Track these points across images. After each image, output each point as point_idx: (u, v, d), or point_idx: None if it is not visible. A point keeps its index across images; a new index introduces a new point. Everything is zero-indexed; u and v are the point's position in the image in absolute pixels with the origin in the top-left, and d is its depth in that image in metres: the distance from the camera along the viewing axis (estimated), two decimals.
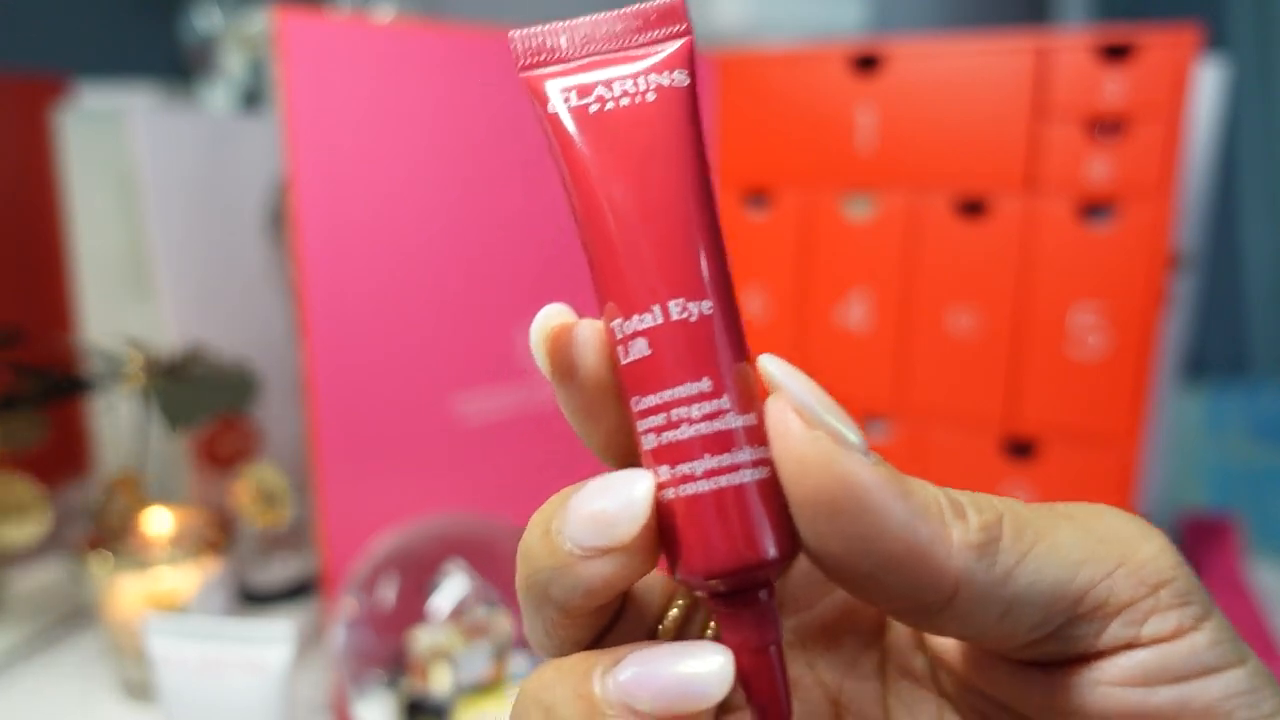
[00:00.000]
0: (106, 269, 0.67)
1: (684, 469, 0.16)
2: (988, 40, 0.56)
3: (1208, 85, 0.66)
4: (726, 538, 0.16)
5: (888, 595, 0.16)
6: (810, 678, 0.20)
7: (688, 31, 0.18)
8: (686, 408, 0.16)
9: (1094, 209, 0.56)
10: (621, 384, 0.17)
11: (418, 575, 0.51)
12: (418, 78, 0.52)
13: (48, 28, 0.83)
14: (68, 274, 0.69)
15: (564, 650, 0.18)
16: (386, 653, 0.51)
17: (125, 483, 0.58)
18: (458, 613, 0.50)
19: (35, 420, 0.57)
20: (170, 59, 0.87)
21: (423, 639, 0.49)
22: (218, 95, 0.81)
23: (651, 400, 0.16)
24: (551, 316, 0.17)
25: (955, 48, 0.57)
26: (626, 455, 0.18)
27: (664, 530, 0.16)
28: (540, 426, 0.61)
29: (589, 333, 0.17)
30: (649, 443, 0.17)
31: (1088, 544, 0.16)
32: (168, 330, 0.65)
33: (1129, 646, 0.16)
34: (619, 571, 0.16)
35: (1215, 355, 1.16)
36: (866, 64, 0.60)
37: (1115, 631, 0.16)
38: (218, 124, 0.69)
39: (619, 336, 0.17)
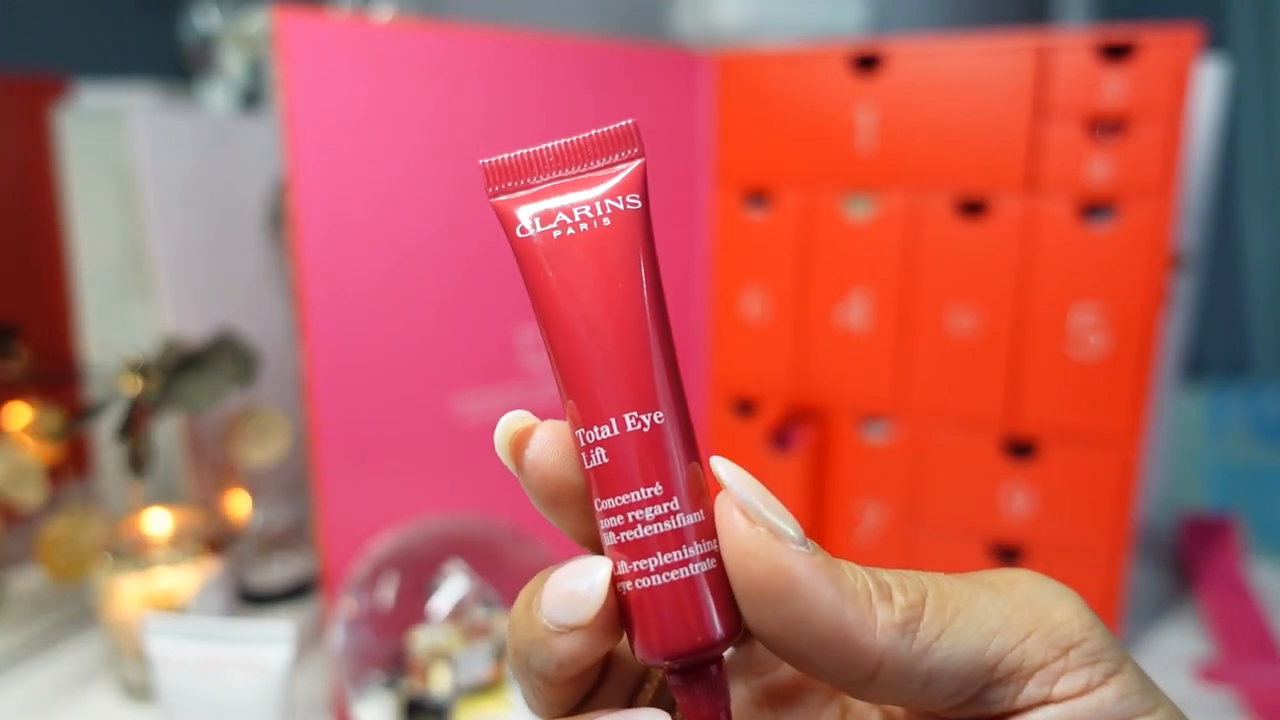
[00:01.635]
0: (106, 269, 0.67)
1: (640, 565, 0.18)
2: (988, 40, 0.56)
3: (1208, 85, 0.66)
4: (679, 623, 0.18)
5: (821, 670, 0.18)
6: None
7: (641, 153, 0.20)
8: (640, 510, 0.18)
9: (1094, 209, 0.55)
10: (586, 483, 0.19)
11: (417, 575, 0.51)
12: (417, 78, 0.52)
13: (48, 28, 0.83)
14: (68, 274, 0.69)
15: (551, 712, 0.20)
16: (386, 653, 0.50)
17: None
18: (457, 613, 0.50)
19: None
20: (170, 59, 0.87)
21: (422, 639, 0.49)
22: (217, 95, 0.81)
23: (611, 503, 0.18)
24: (513, 423, 0.19)
25: (955, 48, 0.57)
26: (594, 539, 0.20)
27: (625, 615, 0.19)
28: None
29: (548, 436, 0.19)
30: (609, 540, 0.19)
31: (1003, 612, 0.18)
32: (167, 329, 0.65)
33: (1044, 703, 0.18)
34: (583, 648, 0.18)
35: (1215, 355, 1.16)
36: (866, 64, 0.60)
37: (1030, 692, 0.18)
38: (217, 124, 0.69)
39: (582, 444, 0.19)
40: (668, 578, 0.18)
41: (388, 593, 0.51)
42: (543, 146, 0.20)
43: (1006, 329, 0.58)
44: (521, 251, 0.19)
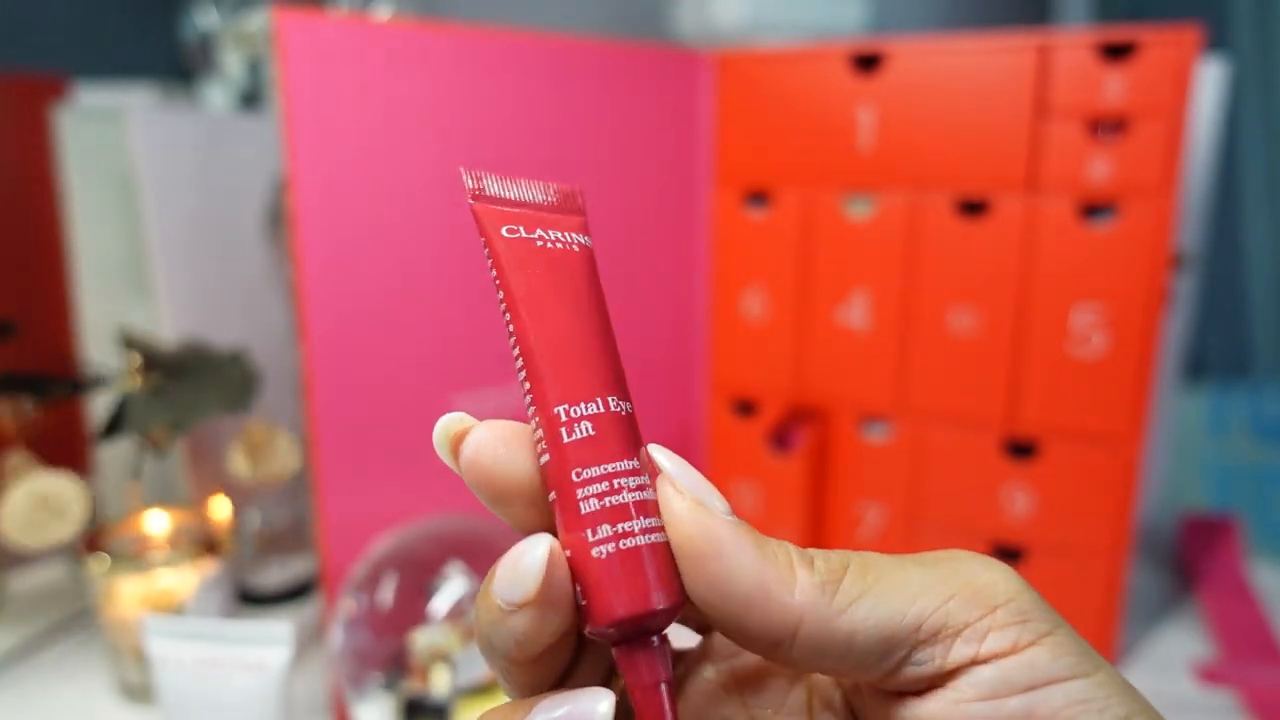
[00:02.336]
0: (106, 268, 0.67)
1: (623, 526, 0.19)
2: (988, 40, 0.56)
3: (1208, 85, 0.66)
4: (631, 589, 0.19)
5: (747, 632, 0.19)
6: (744, 715, 0.22)
7: (583, 210, 0.24)
8: (623, 479, 0.20)
9: (1095, 209, 0.55)
10: (557, 463, 0.20)
11: (417, 576, 0.51)
12: (417, 77, 0.52)
13: (47, 28, 0.83)
14: (67, 273, 0.69)
15: (524, 693, 0.20)
16: (386, 654, 0.50)
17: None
18: (457, 613, 0.50)
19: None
20: (169, 58, 0.87)
21: (422, 640, 0.49)
22: (217, 94, 0.81)
23: (595, 471, 0.20)
24: (450, 424, 0.20)
25: (955, 47, 0.57)
26: (539, 529, 0.21)
27: (582, 588, 0.19)
28: None
29: (484, 435, 0.20)
30: (590, 506, 0.20)
31: (926, 580, 0.19)
32: (167, 329, 0.65)
33: (973, 664, 0.18)
34: (535, 624, 0.19)
35: (1216, 355, 1.16)
36: (867, 64, 0.60)
37: (958, 651, 0.18)
38: (217, 123, 0.69)
39: (564, 419, 0.20)
40: (650, 539, 0.19)
41: (387, 593, 0.51)
42: (519, 180, 0.23)
43: (1007, 329, 0.58)
44: (507, 248, 0.22)
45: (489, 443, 0.20)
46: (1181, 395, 0.80)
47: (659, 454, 0.20)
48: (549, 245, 0.22)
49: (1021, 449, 0.60)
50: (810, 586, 0.18)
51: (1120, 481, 0.57)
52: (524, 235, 0.22)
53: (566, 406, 0.20)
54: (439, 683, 0.49)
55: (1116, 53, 0.54)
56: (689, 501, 0.19)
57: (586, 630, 0.20)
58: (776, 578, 0.18)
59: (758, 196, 0.66)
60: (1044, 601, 0.19)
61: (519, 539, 0.19)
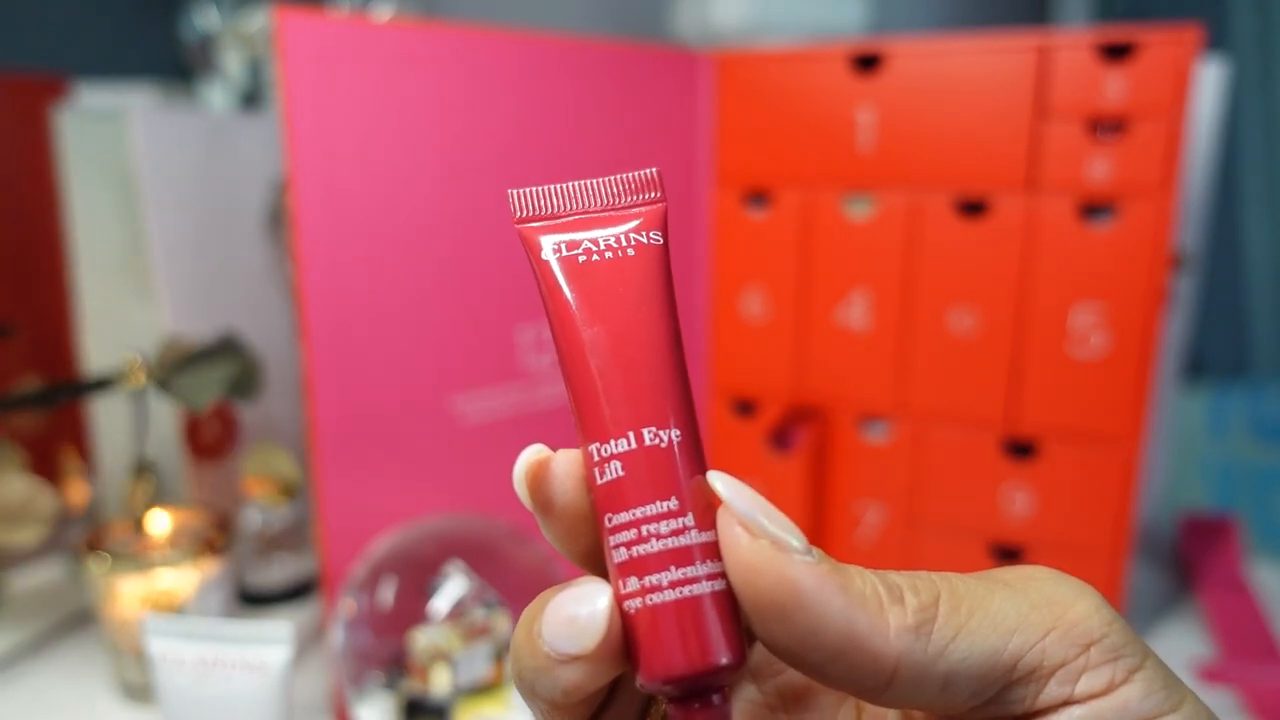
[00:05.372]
0: (106, 268, 0.67)
1: (651, 580, 0.18)
2: (988, 40, 0.56)
3: (1208, 85, 0.66)
4: (683, 646, 0.17)
5: (837, 680, 0.17)
6: None
7: (663, 199, 0.21)
8: (654, 524, 0.18)
9: (1095, 209, 0.55)
10: (595, 504, 0.19)
11: (417, 576, 0.51)
12: (417, 77, 0.52)
13: (48, 28, 0.83)
14: (67, 273, 0.69)
15: None
16: (386, 653, 0.50)
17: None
18: (457, 613, 0.50)
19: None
20: (169, 58, 0.87)
21: (422, 640, 0.49)
22: (217, 94, 0.81)
23: (624, 517, 0.18)
24: (530, 455, 0.19)
25: (955, 47, 0.57)
26: (602, 569, 0.20)
27: (628, 638, 0.18)
28: (540, 426, 0.61)
29: (564, 465, 0.19)
30: (620, 556, 0.18)
31: (1020, 611, 0.18)
32: (167, 329, 0.65)
33: (1065, 704, 0.17)
34: (588, 676, 0.18)
35: (1216, 355, 1.16)
36: (867, 64, 0.60)
37: (1051, 691, 0.17)
38: (217, 123, 0.69)
39: (596, 459, 0.19)
40: (681, 593, 0.18)
41: (387, 593, 0.51)
42: (570, 184, 0.21)
43: (1007, 329, 0.58)
44: (544, 273, 0.20)
45: (568, 473, 0.19)
46: (1181, 395, 0.80)
47: (719, 482, 0.18)
48: (597, 257, 0.20)
49: (1021, 449, 0.60)
50: (904, 631, 0.17)
51: (1120, 481, 0.57)
52: (565, 254, 0.20)
53: (598, 445, 0.19)
54: (439, 682, 0.49)
55: (1116, 53, 0.54)
56: (759, 545, 0.17)
57: (639, 685, 0.18)
58: (867, 625, 0.17)
59: (758, 196, 0.66)
60: (1130, 629, 0.18)
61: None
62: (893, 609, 0.17)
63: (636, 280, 0.20)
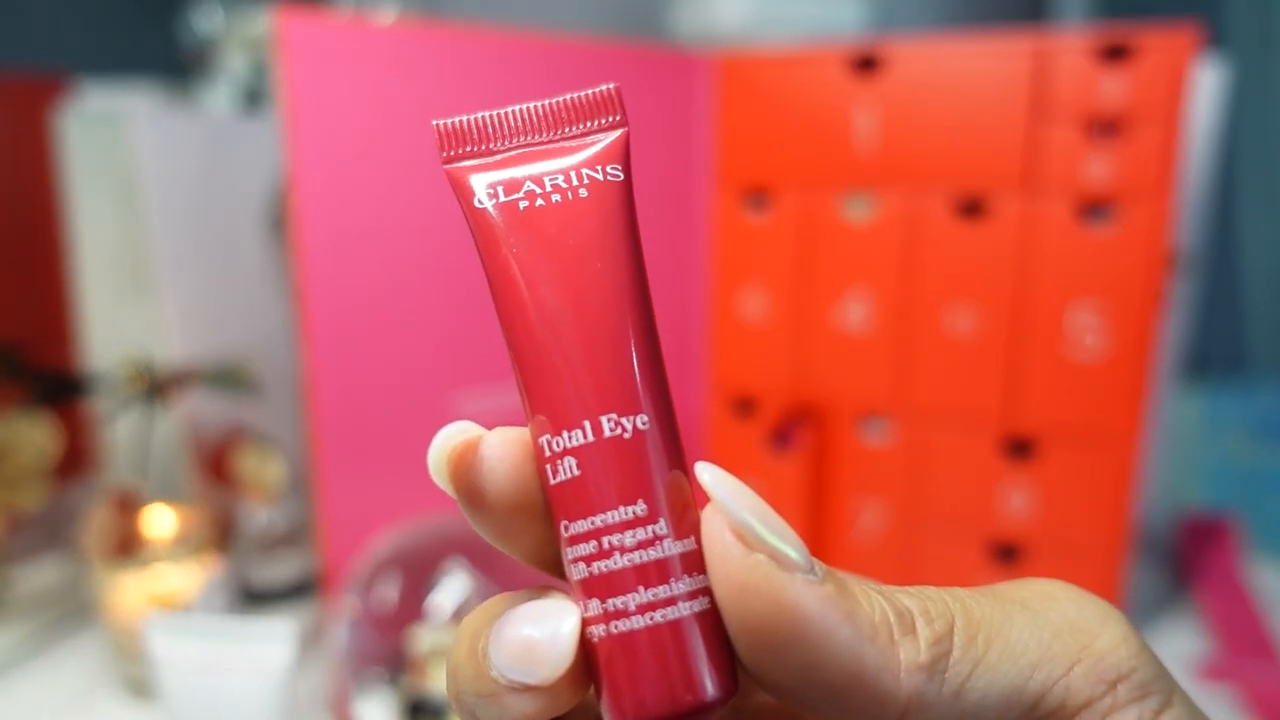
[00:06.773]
0: (107, 269, 0.67)
1: (616, 603, 0.15)
2: (987, 40, 0.57)
3: (1207, 85, 0.66)
4: (661, 679, 0.15)
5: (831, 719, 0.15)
6: None
7: (624, 122, 0.17)
8: (618, 535, 0.15)
9: (1093, 209, 0.56)
10: (550, 504, 0.16)
11: (418, 574, 0.52)
12: (418, 79, 0.52)
13: (48, 28, 0.83)
14: (68, 274, 0.69)
15: None
16: (387, 652, 0.51)
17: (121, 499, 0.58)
18: (458, 612, 0.50)
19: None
20: (171, 59, 0.87)
21: (423, 638, 0.49)
22: (218, 96, 0.81)
23: (581, 526, 0.15)
24: (452, 435, 0.16)
25: (955, 48, 0.57)
26: (556, 566, 0.17)
27: (593, 666, 0.15)
28: None
29: (498, 449, 0.16)
30: (578, 572, 0.15)
31: (1041, 640, 0.16)
32: (168, 331, 0.65)
33: None
34: (544, 707, 0.15)
35: (1215, 355, 1.16)
36: (866, 64, 0.60)
37: None
38: (218, 125, 0.69)
39: (547, 454, 0.15)
40: (651, 619, 0.15)
41: (389, 591, 0.51)
42: (509, 109, 0.17)
43: (1005, 329, 0.59)
44: (479, 224, 0.16)
45: (501, 461, 0.16)
46: (1180, 395, 0.80)
47: (708, 475, 0.15)
48: (541, 201, 0.16)
49: (1020, 449, 0.60)
50: (916, 669, 0.15)
51: (1118, 481, 0.57)
52: (503, 199, 0.16)
53: (548, 438, 0.15)
54: (440, 681, 0.49)
55: (1115, 54, 0.54)
56: (754, 560, 0.14)
57: None
58: (876, 661, 0.15)
59: (757, 197, 0.66)
60: (1158, 659, 0.17)
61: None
62: (904, 641, 0.15)
63: (590, 228, 0.16)
